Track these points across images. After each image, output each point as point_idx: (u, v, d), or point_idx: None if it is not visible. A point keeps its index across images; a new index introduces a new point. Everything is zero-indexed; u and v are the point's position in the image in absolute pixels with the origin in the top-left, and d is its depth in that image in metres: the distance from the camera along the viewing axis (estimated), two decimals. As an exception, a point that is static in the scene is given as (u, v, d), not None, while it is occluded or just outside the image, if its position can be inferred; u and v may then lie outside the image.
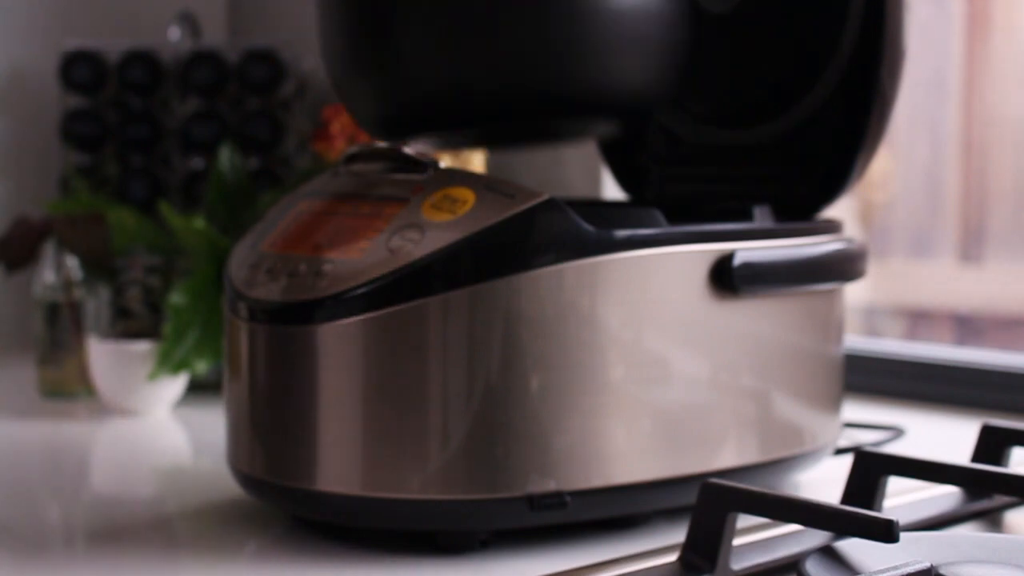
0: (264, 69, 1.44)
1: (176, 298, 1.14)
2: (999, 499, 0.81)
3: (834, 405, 0.88)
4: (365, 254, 0.74)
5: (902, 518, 0.64)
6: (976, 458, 0.84)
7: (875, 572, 0.59)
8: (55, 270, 1.21)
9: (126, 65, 1.45)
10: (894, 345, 1.29)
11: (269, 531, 0.80)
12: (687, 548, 0.67)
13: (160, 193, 1.44)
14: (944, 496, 0.80)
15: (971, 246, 2.16)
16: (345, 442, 0.74)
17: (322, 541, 0.77)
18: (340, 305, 0.73)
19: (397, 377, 0.73)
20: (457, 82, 0.79)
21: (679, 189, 0.94)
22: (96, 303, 1.23)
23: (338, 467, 0.74)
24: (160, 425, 1.13)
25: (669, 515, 0.79)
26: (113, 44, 1.46)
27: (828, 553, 0.64)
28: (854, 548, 0.65)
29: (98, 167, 1.47)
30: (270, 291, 0.76)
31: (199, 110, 1.45)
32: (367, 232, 0.75)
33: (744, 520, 0.68)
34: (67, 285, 1.21)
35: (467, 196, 0.75)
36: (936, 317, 2.23)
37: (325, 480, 0.74)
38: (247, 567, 0.75)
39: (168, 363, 1.13)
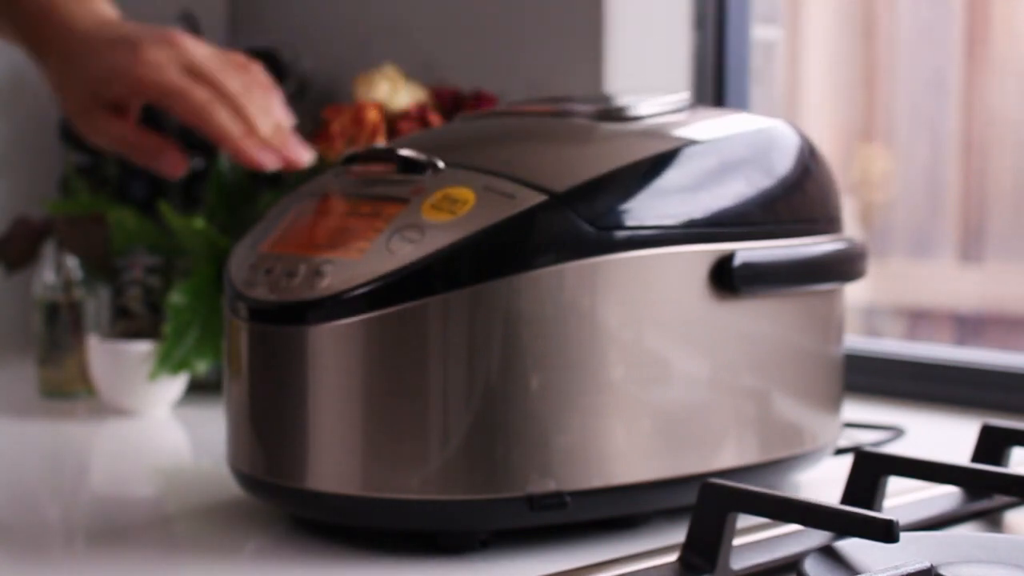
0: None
1: (176, 298, 1.14)
2: (999, 499, 0.81)
3: (834, 405, 0.87)
4: (365, 254, 0.74)
5: (902, 518, 0.64)
6: (976, 458, 0.84)
7: (875, 572, 0.59)
8: (55, 270, 1.21)
9: (126, 65, 1.45)
10: (894, 345, 1.29)
11: (269, 531, 0.80)
12: (687, 548, 0.67)
13: (160, 193, 1.43)
14: (944, 496, 0.80)
15: (971, 246, 2.16)
16: (345, 442, 0.74)
17: (322, 541, 0.77)
18: (340, 305, 0.73)
19: (397, 377, 0.73)
20: None
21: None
22: (96, 303, 1.23)
23: (338, 467, 0.74)
24: (160, 425, 1.13)
25: (669, 515, 0.79)
26: (113, 44, 1.46)
27: (828, 553, 0.64)
28: (854, 548, 0.65)
29: (98, 167, 1.47)
30: (270, 291, 0.76)
31: (199, 110, 1.44)
32: (367, 232, 0.75)
33: (744, 520, 0.68)
34: (67, 285, 1.21)
35: (467, 196, 0.75)
36: (936, 317, 2.23)
37: (325, 480, 0.74)
38: (247, 567, 0.75)
39: (168, 363, 1.13)
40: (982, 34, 2.11)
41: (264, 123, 0.86)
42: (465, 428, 0.72)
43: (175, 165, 0.89)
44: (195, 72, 0.86)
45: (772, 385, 0.81)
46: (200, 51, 0.88)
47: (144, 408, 1.15)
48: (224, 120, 0.85)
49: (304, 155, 0.86)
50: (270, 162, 0.85)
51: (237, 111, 0.86)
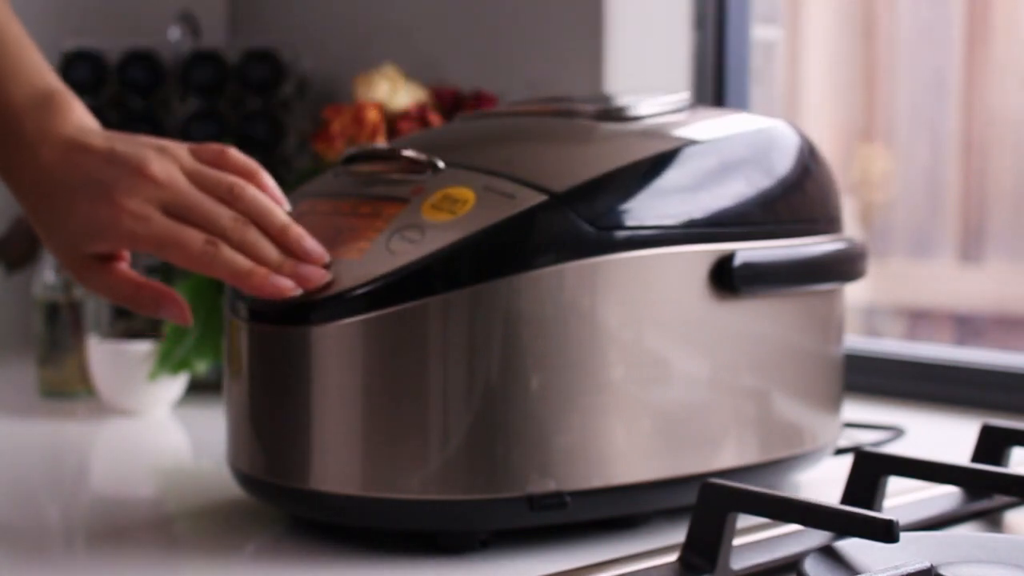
0: (264, 69, 1.43)
1: (176, 298, 1.14)
2: (999, 499, 0.81)
3: (834, 405, 0.88)
4: (365, 254, 0.74)
5: (902, 518, 0.64)
6: (976, 458, 0.84)
7: (875, 572, 0.59)
8: (55, 270, 1.21)
9: (126, 65, 1.45)
10: (894, 345, 1.29)
11: (269, 531, 0.80)
12: (687, 548, 0.67)
13: (160, 193, 1.43)
14: (944, 496, 0.80)
15: (971, 246, 2.16)
16: (345, 442, 0.74)
17: (322, 541, 0.77)
18: (340, 305, 0.73)
19: (397, 377, 0.73)
20: None
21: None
22: (96, 303, 1.23)
23: (338, 467, 0.74)
24: (160, 425, 1.13)
25: (669, 515, 0.79)
26: (113, 44, 1.46)
27: (828, 553, 0.65)
28: (854, 548, 0.65)
29: (98, 167, 1.47)
30: (270, 291, 0.76)
31: (199, 110, 1.45)
32: (367, 232, 0.75)
33: (744, 520, 0.68)
34: (67, 285, 1.21)
35: (467, 196, 0.75)
36: (936, 317, 2.23)
37: (325, 480, 0.74)
38: (247, 567, 0.75)
39: (168, 363, 1.13)
40: (982, 34, 2.12)
41: (268, 248, 0.76)
42: (465, 428, 0.72)
43: (178, 314, 0.78)
44: (181, 208, 0.76)
45: (772, 385, 0.81)
46: (177, 180, 0.77)
47: (144, 408, 1.15)
48: (228, 259, 0.75)
49: (319, 271, 0.74)
50: (289, 288, 0.74)
51: (240, 242, 0.76)
